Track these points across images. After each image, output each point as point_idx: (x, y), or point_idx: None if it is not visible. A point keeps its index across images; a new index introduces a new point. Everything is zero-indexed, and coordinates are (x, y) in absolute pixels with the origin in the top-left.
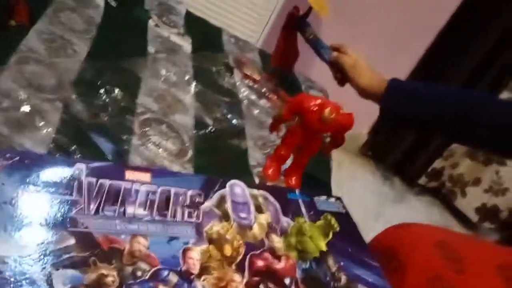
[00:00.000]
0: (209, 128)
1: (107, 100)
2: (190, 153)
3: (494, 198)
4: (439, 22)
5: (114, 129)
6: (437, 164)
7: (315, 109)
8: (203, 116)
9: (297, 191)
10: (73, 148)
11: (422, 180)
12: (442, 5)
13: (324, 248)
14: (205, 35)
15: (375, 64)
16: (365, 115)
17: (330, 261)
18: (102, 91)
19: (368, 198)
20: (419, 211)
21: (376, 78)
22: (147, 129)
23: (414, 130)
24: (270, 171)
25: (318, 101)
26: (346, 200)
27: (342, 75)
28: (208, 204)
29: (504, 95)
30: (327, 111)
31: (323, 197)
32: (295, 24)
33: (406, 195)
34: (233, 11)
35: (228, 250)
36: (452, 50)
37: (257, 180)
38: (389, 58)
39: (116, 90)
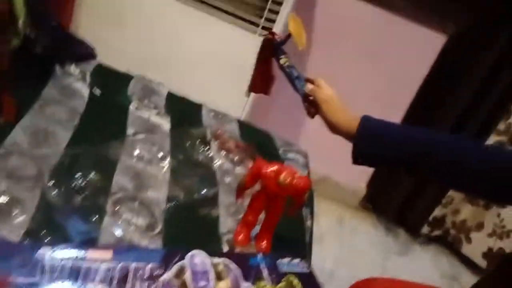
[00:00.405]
0: (180, 200)
1: (82, 183)
2: (159, 226)
3: (499, 242)
4: (421, 73)
5: (86, 211)
6: (438, 211)
7: (272, 174)
8: (175, 190)
9: (259, 256)
10: (43, 233)
11: (425, 229)
12: (422, 57)
13: None
14: (185, 112)
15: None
16: (362, 168)
17: None
18: (78, 175)
19: (372, 251)
20: (425, 261)
21: (348, 115)
22: (119, 207)
23: (387, 169)
24: (240, 237)
25: (275, 167)
26: (349, 256)
27: (314, 109)
28: (167, 276)
29: (491, 140)
30: (282, 176)
31: (287, 259)
32: (270, 51)
33: (411, 246)
34: (214, 87)
35: None
36: (435, 99)
37: (226, 247)
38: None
39: (92, 173)
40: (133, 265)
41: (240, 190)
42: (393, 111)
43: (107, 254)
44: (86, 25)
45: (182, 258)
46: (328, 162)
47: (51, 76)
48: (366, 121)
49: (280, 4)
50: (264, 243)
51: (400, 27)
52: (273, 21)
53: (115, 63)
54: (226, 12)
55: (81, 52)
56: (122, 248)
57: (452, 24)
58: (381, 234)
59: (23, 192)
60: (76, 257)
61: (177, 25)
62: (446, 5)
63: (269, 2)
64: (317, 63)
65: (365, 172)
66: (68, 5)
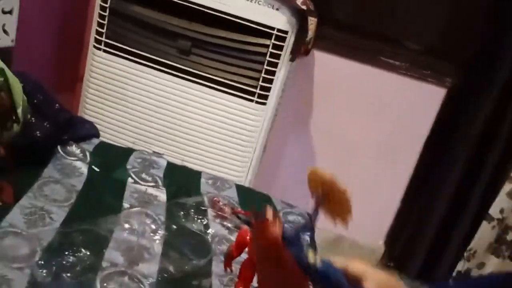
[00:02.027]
0: (171, 272)
1: (72, 261)
2: None
3: None
4: (425, 128)
5: None
6: (461, 266)
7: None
8: (166, 262)
9: None
10: None
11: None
12: (424, 111)
13: None
14: (183, 181)
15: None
16: (378, 226)
17: None
18: (68, 253)
19: None
20: None
21: None
22: (108, 283)
23: None
24: None
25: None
26: None
27: None
28: None
29: (507, 187)
30: None
31: None
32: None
33: None
34: (217, 155)
35: None
36: (442, 150)
37: None
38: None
39: (83, 250)
40: None
41: (227, 259)
42: (403, 161)
43: None
44: (92, 105)
45: None
46: None
47: (52, 156)
48: None
49: (273, 73)
50: None
51: (399, 83)
52: (268, 89)
53: (120, 141)
54: (222, 83)
55: (84, 132)
56: None
57: (449, 79)
58: None
59: (13, 271)
60: None
61: (178, 99)
62: (440, 63)
63: (263, 72)
64: (321, 121)
65: (382, 229)
66: (74, 87)
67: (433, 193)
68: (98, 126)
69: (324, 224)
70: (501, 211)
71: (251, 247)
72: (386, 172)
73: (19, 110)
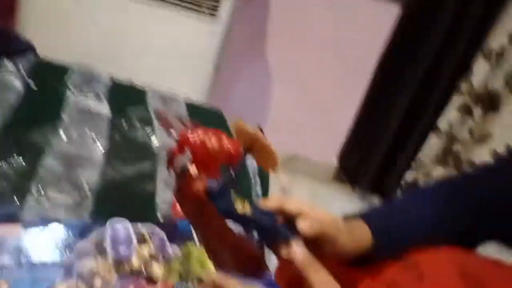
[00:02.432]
0: (113, 178)
1: (6, 168)
2: (88, 203)
3: None
4: (379, 45)
5: (8, 194)
6: (409, 176)
7: (198, 141)
8: (108, 169)
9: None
10: None
11: (399, 195)
12: (379, 30)
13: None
14: (128, 97)
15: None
16: (331, 143)
17: None
18: (1, 162)
19: None
20: None
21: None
22: (45, 188)
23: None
24: (177, 208)
25: (200, 132)
26: None
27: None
28: (84, 244)
29: (456, 101)
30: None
31: None
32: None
33: None
34: (169, 72)
35: (98, 283)
36: (396, 68)
37: (162, 220)
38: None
39: (16, 158)
40: (45, 235)
41: (169, 161)
42: (357, 78)
43: (15, 228)
44: (33, 26)
45: (103, 226)
46: (296, 139)
47: None
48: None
49: None
50: None
51: (352, 5)
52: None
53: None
54: None
55: (17, 46)
56: (32, 222)
57: None
58: (356, 203)
59: None
60: None
61: (123, 17)
62: None
63: None
64: (278, 45)
65: (335, 146)
66: (11, 7)
67: (385, 109)
68: (39, 44)
69: (278, 144)
70: (449, 123)
71: (196, 148)
72: (340, 89)
73: None
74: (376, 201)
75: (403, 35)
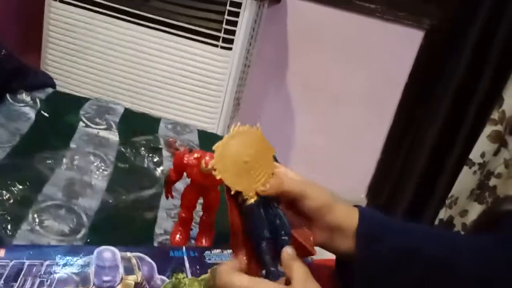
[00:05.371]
0: (111, 204)
1: (4, 195)
2: (84, 231)
3: None
4: (404, 73)
5: (3, 221)
6: (443, 214)
7: (194, 162)
8: (109, 196)
9: (184, 248)
10: None
11: None
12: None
13: None
14: (139, 126)
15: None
16: (359, 180)
17: None
18: (1, 187)
19: None
20: None
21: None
22: (41, 215)
23: None
24: (177, 237)
25: (196, 155)
26: None
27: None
28: (66, 271)
29: (487, 130)
30: (203, 161)
31: (217, 250)
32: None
33: None
34: (187, 103)
35: None
36: (423, 93)
37: (156, 248)
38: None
39: (18, 185)
40: (27, 262)
41: (167, 186)
42: (383, 109)
43: None
44: (53, 60)
45: (90, 253)
46: (322, 172)
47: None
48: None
49: (237, 14)
50: (204, 240)
51: (376, 27)
52: (233, 32)
53: (83, 93)
54: (185, 28)
55: (37, 81)
56: (15, 247)
57: (427, 19)
58: None
59: None
60: None
61: (140, 48)
62: (417, 4)
63: (226, 14)
64: (299, 72)
65: (364, 183)
66: (35, 43)
67: (414, 141)
68: (61, 80)
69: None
70: (482, 155)
71: (192, 170)
72: (366, 121)
73: None
74: None
75: (426, 63)
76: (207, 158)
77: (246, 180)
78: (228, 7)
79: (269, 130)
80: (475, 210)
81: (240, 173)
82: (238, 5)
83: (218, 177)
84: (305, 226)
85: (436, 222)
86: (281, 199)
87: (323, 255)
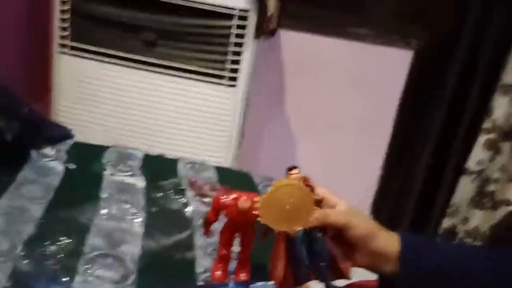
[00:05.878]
0: (153, 249)
1: (54, 249)
2: (132, 277)
3: None
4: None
5: (57, 273)
6: (446, 223)
7: (231, 202)
8: (148, 240)
9: (230, 283)
10: None
11: None
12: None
13: None
14: (160, 168)
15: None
16: (362, 199)
17: None
18: (49, 242)
19: None
20: None
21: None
22: (91, 265)
23: None
24: (216, 273)
25: (233, 195)
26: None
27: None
28: None
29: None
30: (240, 202)
31: (260, 283)
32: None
33: None
34: (197, 142)
35: None
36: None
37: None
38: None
39: (64, 238)
40: None
41: (206, 226)
42: (380, 129)
43: None
44: (65, 111)
45: None
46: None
47: (27, 160)
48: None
49: (239, 53)
50: (243, 275)
51: (367, 52)
52: (236, 70)
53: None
54: (191, 71)
55: (57, 134)
56: None
57: (415, 40)
58: None
59: None
60: None
61: (150, 92)
62: (405, 27)
63: (229, 53)
64: (296, 101)
65: (366, 201)
66: (44, 93)
67: (412, 156)
68: (73, 130)
69: None
70: (479, 162)
71: (230, 210)
72: (364, 142)
73: None
74: None
75: (417, 82)
76: (244, 197)
77: (288, 223)
78: (231, 48)
79: (270, 157)
80: (476, 217)
81: (283, 217)
82: (240, 45)
83: (262, 223)
84: (344, 253)
85: (440, 231)
86: (328, 229)
87: (363, 276)
